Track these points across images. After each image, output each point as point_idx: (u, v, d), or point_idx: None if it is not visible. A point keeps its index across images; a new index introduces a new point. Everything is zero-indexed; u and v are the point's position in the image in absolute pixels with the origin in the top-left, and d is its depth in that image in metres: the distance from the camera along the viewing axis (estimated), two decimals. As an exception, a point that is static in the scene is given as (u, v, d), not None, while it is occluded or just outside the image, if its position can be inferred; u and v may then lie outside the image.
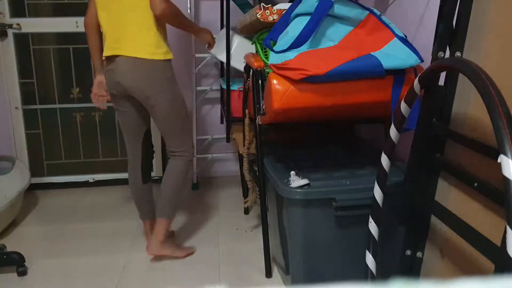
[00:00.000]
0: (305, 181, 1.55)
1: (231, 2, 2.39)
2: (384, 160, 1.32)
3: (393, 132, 1.29)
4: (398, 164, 1.67)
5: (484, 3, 1.21)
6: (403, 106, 1.26)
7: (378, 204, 1.34)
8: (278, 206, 1.69)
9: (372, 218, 1.35)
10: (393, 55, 1.49)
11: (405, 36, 1.59)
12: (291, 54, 1.50)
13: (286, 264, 1.70)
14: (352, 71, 1.46)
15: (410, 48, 1.51)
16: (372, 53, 1.50)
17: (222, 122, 2.93)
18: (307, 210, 1.55)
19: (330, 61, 1.45)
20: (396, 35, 1.54)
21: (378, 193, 1.34)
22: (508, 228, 0.81)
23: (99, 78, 1.96)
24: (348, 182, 1.58)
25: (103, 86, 1.96)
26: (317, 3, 1.53)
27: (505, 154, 0.81)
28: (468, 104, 1.25)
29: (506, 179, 0.81)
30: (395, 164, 1.67)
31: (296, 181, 1.56)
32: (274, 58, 1.56)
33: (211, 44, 2.05)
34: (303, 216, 1.56)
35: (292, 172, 1.61)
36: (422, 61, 1.49)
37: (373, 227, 1.34)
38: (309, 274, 1.62)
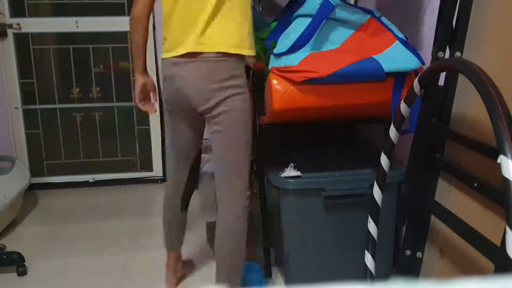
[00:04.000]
0: (297, 173, 1.63)
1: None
2: (384, 160, 1.32)
3: (392, 132, 1.29)
4: (397, 165, 1.67)
5: (483, 4, 1.21)
6: (403, 106, 1.26)
7: (378, 204, 1.34)
8: (274, 200, 1.69)
9: (372, 218, 1.35)
10: (395, 58, 1.49)
11: (406, 38, 1.59)
12: (294, 60, 1.50)
13: (281, 254, 1.73)
14: (353, 74, 1.46)
15: (411, 51, 1.51)
16: (373, 56, 1.50)
17: (222, 122, 2.93)
18: (300, 199, 1.63)
19: (332, 64, 1.46)
20: (398, 38, 1.54)
21: (377, 193, 1.34)
22: (507, 228, 0.81)
23: (142, 80, 1.60)
24: (337, 174, 1.67)
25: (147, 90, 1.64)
26: (319, 5, 1.53)
27: (505, 155, 0.82)
28: (468, 104, 1.25)
29: (506, 179, 0.81)
30: (394, 165, 1.67)
31: (287, 172, 1.64)
32: (275, 62, 1.56)
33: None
34: (296, 204, 1.64)
35: (291, 164, 1.67)
36: (423, 64, 1.49)
37: (372, 227, 1.34)
38: (303, 266, 1.68)
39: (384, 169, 1.32)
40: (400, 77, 1.53)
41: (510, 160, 0.81)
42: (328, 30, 1.58)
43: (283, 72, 1.50)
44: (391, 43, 1.54)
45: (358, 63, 1.46)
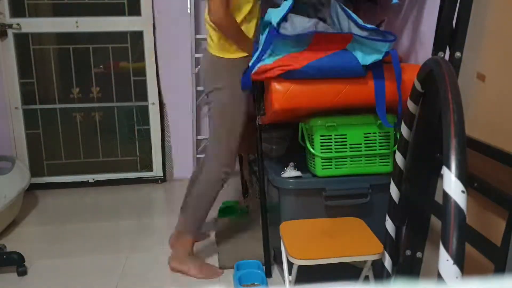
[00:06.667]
0: (297, 173, 1.63)
1: (231, 2, 2.39)
2: (399, 158, 1.33)
3: (404, 130, 1.30)
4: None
5: (483, 4, 1.21)
6: (410, 104, 1.26)
7: (395, 201, 1.34)
8: (275, 200, 1.69)
9: (389, 216, 1.36)
10: (361, 52, 1.50)
11: (371, 27, 1.52)
12: (268, 61, 1.52)
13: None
14: (329, 66, 1.47)
15: (374, 39, 1.46)
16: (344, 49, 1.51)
17: (222, 122, 2.93)
18: (300, 199, 1.63)
19: (306, 58, 1.48)
20: (353, 34, 1.49)
21: (394, 191, 1.35)
22: (441, 244, 0.74)
23: None
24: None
25: None
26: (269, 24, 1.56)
27: (448, 168, 0.76)
28: (468, 104, 1.25)
29: (445, 193, 0.76)
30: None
31: (288, 172, 1.64)
32: (252, 69, 1.58)
33: None
34: (296, 204, 1.65)
35: (291, 164, 1.67)
36: (393, 40, 1.44)
37: (389, 224, 1.35)
38: (303, 266, 1.66)
39: (399, 167, 1.33)
40: (376, 69, 1.52)
41: (452, 174, 0.76)
42: (287, 44, 1.55)
43: (259, 74, 1.51)
44: (348, 41, 1.51)
45: (332, 55, 1.48)
